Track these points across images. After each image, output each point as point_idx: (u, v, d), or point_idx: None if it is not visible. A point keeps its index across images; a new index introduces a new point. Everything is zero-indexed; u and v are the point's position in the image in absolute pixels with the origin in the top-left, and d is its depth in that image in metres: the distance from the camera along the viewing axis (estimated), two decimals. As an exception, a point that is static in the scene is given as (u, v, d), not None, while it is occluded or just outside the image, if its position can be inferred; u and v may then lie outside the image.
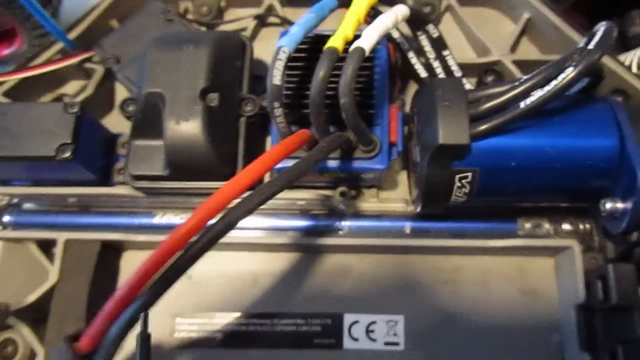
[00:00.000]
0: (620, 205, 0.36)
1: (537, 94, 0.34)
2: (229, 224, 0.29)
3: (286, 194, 0.42)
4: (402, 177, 0.45)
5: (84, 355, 0.31)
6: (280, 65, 0.34)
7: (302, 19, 0.37)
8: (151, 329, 0.31)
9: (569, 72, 0.34)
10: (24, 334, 0.40)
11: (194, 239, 0.29)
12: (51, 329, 0.39)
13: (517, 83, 0.35)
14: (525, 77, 0.36)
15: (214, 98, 0.39)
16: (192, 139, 0.38)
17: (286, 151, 0.34)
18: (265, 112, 0.39)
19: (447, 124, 0.35)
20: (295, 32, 0.36)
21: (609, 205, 0.36)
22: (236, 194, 0.31)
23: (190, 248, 0.29)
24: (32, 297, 0.40)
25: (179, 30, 0.45)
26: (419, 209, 0.40)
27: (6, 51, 0.64)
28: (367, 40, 0.35)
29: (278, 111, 0.35)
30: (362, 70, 0.37)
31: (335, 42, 0.35)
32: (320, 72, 0.34)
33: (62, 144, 0.38)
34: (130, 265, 0.44)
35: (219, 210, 0.30)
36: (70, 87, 0.49)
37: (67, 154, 0.38)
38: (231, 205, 0.30)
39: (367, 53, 0.34)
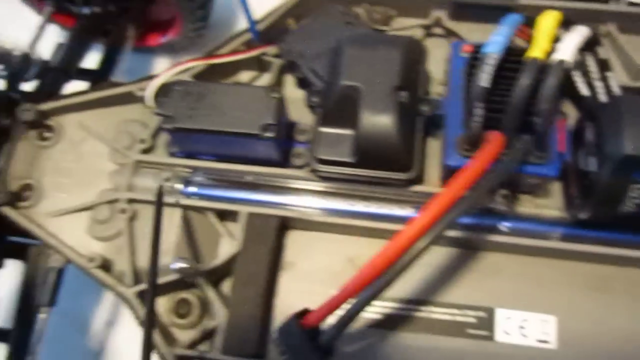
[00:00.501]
0: None
1: None
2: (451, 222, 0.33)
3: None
4: (556, 186, 0.48)
5: (310, 330, 0.35)
6: (489, 70, 0.38)
7: (502, 30, 0.40)
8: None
9: None
10: (209, 294, 0.44)
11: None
12: (235, 292, 0.43)
13: None
14: None
15: (404, 95, 0.43)
16: (385, 130, 0.42)
17: (493, 158, 0.37)
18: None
19: (635, 136, 0.38)
20: (500, 42, 0.39)
21: None
22: (460, 194, 0.34)
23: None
24: (217, 261, 0.44)
25: (358, 33, 0.49)
26: (584, 215, 0.43)
27: (162, 39, 0.70)
28: (568, 54, 0.38)
29: (480, 111, 0.39)
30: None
31: (538, 53, 0.38)
32: (526, 79, 0.37)
33: (267, 124, 0.42)
34: (295, 242, 0.47)
35: (447, 208, 0.33)
36: (244, 76, 0.54)
37: (272, 134, 0.42)
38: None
39: (568, 65, 0.38)
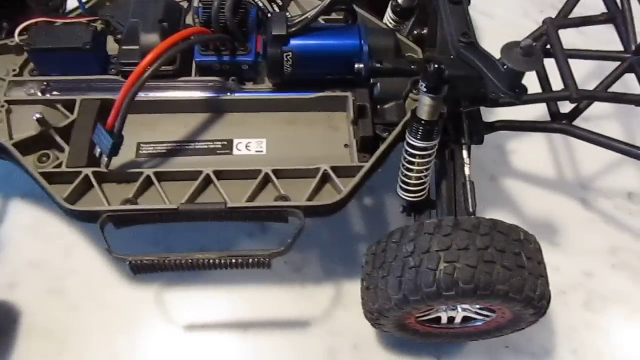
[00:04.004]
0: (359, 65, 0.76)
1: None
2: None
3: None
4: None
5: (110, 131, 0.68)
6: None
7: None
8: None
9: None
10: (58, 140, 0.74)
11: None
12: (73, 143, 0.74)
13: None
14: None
15: (165, 25, 0.78)
16: (152, 44, 0.76)
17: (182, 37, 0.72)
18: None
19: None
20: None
21: (356, 66, 0.76)
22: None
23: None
24: (65, 122, 0.75)
25: None
26: (273, 82, 0.79)
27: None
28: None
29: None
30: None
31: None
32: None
33: (86, 42, 0.76)
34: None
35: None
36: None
37: (89, 47, 0.75)
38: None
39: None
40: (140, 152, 0.78)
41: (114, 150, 0.70)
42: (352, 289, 0.86)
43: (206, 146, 0.79)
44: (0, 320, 0.82)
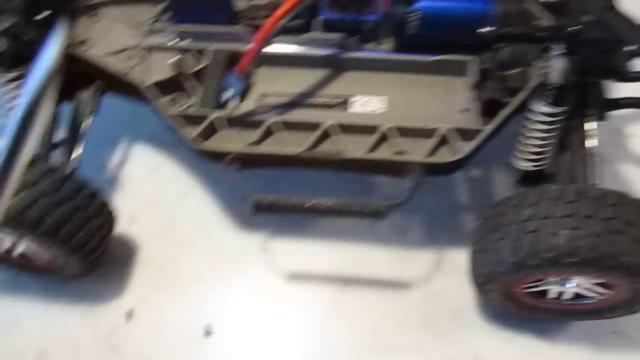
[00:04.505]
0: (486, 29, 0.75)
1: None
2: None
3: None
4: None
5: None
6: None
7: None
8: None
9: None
10: (191, 83, 0.79)
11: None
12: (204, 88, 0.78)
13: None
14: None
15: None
16: None
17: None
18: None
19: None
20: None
21: (483, 30, 0.76)
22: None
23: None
24: (198, 66, 0.80)
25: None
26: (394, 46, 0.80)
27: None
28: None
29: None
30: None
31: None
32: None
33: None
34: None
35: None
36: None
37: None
38: None
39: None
40: (262, 102, 0.81)
41: (243, 94, 0.74)
42: (454, 257, 0.86)
43: (324, 101, 0.81)
44: (121, 250, 0.88)
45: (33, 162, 0.71)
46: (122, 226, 0.89)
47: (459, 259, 0.85)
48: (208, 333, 0.82)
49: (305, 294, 0.85)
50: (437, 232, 0.89)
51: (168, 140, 0.95)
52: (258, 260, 0.88)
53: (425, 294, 0.84)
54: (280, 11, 0.73)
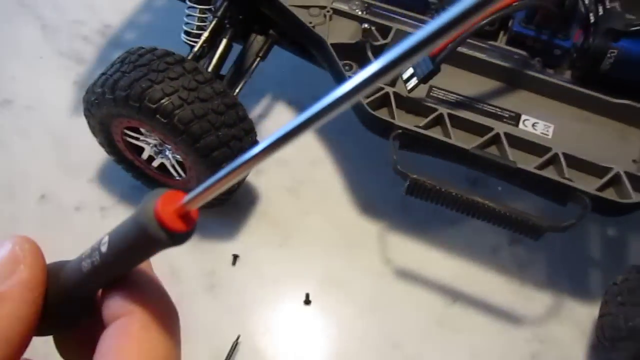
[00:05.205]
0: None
1: None
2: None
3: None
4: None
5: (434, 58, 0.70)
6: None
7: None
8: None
9: None
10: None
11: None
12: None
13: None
14: None
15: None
16: None
17: None
18: None
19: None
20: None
21: (682, 85, 0.73)
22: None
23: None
24: (376, 43, 0.80)
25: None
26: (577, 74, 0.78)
27: None
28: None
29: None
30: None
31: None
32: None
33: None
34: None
35: None
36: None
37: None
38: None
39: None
40: (431, 94, 0.80)
41: (429, 77, 0.73)
42: (574, 307, 0.81)
43: (494, 111, 0.79)
44: (242, 197, 0.88)
45: (208, 80, 0.72)
46: (249, 176, 0.89)
47: (579, 311, 0.80)
48: (307, 302, 0.81)
49: (411, 296, 0.82)
50: (560, 277, 0.85)
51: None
52: (373, 246, 0.86)
53: (534, 335, 0.80)
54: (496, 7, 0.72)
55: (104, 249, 0.25)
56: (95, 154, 0.88)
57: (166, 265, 0.83)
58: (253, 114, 0.97)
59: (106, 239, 0.25)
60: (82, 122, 0.80)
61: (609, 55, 0.75)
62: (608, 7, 0.81)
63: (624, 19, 0.75)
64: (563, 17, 0.77)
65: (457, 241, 0.86)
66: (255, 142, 0.78)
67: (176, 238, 0.23)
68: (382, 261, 0.85)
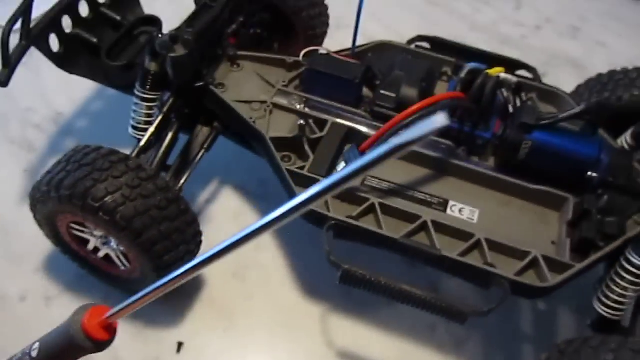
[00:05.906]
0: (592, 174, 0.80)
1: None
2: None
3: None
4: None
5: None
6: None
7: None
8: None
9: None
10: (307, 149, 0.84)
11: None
12: (318, 154, 0.84)
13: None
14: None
15: (424, 85, 0.87)
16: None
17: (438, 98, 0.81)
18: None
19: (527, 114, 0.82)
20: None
21: (589, 174, 0.80)
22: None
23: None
24: (318, 135, 0.85)
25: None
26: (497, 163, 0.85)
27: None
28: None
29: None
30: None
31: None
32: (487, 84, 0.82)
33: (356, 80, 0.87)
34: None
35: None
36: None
37: (358, 81, 0.86)
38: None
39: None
40: (366, 182, 0.85)
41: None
42: (508, 383, 0.85)
43: (424, 197, 0.84)
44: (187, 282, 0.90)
45: (151, 177, 0.76)
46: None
47: (512, 386, 0.84)
48: (251, 389, 0.82)
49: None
50: (495, 353, 0.89)
51: (256, 192, 1.00)
52: (315, 328, 0.88)
53: (472, 414, 0.83)
54: (407, 111, 0.79)
55: (34, 354, 0.31)
56: (41, 242, 0.89)
57: (110, 354, 0.83)
58: (200, 199, 1.01)
59: (37, 345, 0.31)
60: (29, 211, 0.82)
61: (524, 145, 0.83)
62: (524, 99, 0.90)
63: (536, 113, 0.84)
64: (481, 112, 0.85)
65: (397, 321, 0.90)
66: (197, 233, 0.81)
67: (100, 345, 0.34)
68: (326, 343, 0.87)
